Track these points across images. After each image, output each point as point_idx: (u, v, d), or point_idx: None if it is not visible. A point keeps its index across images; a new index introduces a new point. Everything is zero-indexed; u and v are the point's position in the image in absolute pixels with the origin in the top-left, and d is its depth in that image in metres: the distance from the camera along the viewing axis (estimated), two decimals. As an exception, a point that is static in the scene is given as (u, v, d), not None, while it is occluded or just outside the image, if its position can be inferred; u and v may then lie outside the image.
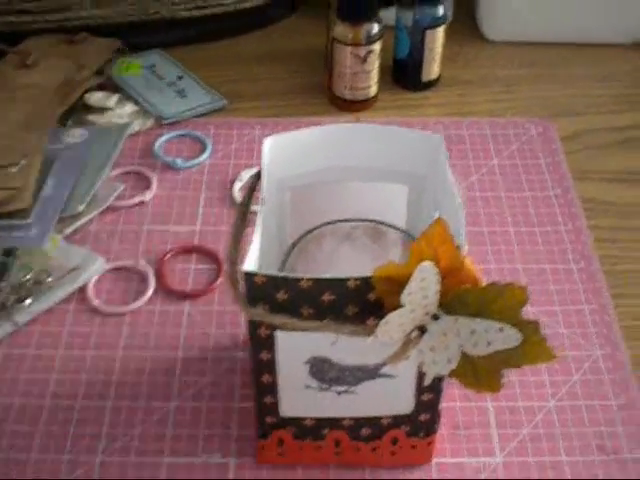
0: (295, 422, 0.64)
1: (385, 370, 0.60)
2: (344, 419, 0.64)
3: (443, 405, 0.65)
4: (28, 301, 0.78)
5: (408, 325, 0.53)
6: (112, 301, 0.81)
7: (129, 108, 1.00)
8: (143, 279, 0.82)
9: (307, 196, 0.67)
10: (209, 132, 0.99)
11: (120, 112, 0.99)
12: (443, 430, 0.70)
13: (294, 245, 0.66)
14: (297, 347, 0.58)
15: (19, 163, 0.86)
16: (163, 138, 0.98)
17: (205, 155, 0.96)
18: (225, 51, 1.13)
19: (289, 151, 0.64)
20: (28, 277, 0.80)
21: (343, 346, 0.57)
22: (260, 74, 1.09)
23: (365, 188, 0.68)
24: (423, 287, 0.51)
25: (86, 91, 1.01)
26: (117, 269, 0.84)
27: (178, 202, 0.91)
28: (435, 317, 0.53)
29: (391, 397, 0.62)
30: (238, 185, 0.91)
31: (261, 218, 0.58)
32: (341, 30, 0.97)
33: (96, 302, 0.80)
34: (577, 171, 0.95)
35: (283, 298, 0.54)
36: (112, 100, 1.00)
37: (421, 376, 0.60)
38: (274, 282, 0.53)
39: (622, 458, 0.69)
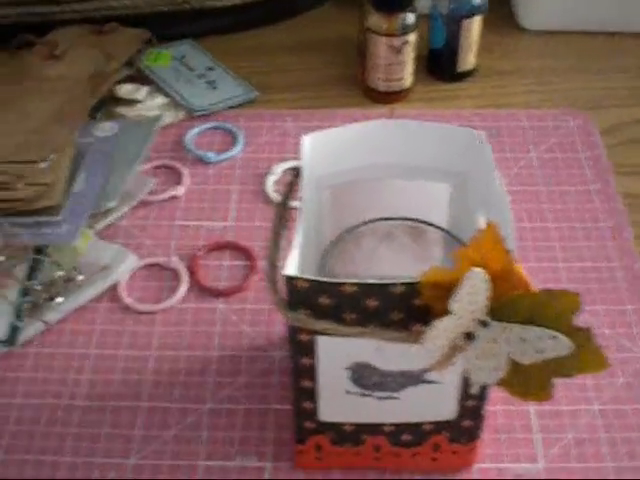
0: (334, 427, 0.63)
1: (429, 376, 0.58)
2: (385, 425, 0.62)
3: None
4: (59, 299, 0.77)
5: (455, 332, 0.51)
6: (144, 299, 0.79)
7: (159, 100, 0.99)
8: (175, 276, 0.81)
9: (346, 194, 0.65)
10: (240, 124, 0.97)
11: (150, 104, 0.98)
12: (484, 434, 0.68)
13: (333, 245, 0.64)
14: (338, 353, 0.56)
15: (49, 158, 0.85)
16: (194, 131, 0.96)
17: (237, 148, 0.94)
18: (255, 41, 1.11)
19: (328, 148, 0.62)
20: (59, 275, 0.78)
21: (386, 352, 0.55)
22: (291, 65, 1.07)
23: (406, 186, 0.66)
24: (472, 294, 0.49)
25: (115, 83, 0.99)
26: (149, 266, 0.82)
27: (210, 197, 0.89)
28: (484, 324, 0.51)
29: (434, 403, 0.60)
30: (271, 179, 0.90)
31: (302, 219, 0.56)
32: (375, 20, 0.95)
33: (128, 300, 0.79)
34: (616, 165, 0.93)
35: (325, 303, 0.52)
36: (142, 92, 0.98)
37: (466, 382, 0.58)
38: (316, 287, 0.52)
39: (669, 465, 0.67)
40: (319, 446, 0.64)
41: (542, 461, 0.67)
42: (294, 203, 0.60)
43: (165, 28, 1.08)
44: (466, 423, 0.62)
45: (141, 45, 1.05)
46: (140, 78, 1.02)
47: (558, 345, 0.50)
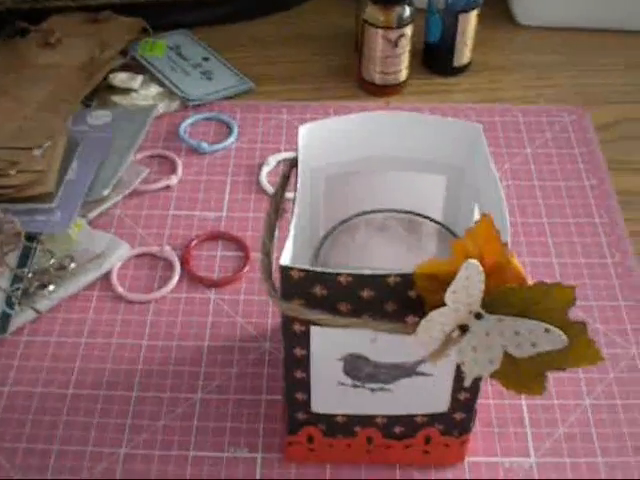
0: (326, 418, 0.62)
1: (422, 368, 0.58)
2: (377, 416, 0.62)
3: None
4: (51, 287, 0.77)
5: (450, 324, 0.51)
6: (137, 288, 0.79)
7: (154, 89, 0.98)
8: (168, 266, 0.81)
9: (341, 186, 0.65)
10: (235, 115, 0.97)
11: (145, 93, 0.97)
12: (476, 428, 0.68)
13: (327, 236, 0.64)
14: (332, 343, 0.56)
15: (43, 145, 0.84)
16: (188, 121, 0.96)
17: (231, 139, 0.93)
18: (251, 32, 1.11)
19: (324, 139, 0.62)
20: (51, 263, 0.78)
21: (380, 343, 0.55)
22: (287, 56, 1.07)
23: (401, 178, 0.65)
24: (468, 286, 0.49)
25: (110, 71, 0.99)
26: (142, 255, 0.82)
27: (204, 187, 0.89)
28: (478, 316, 0.51)
29: (427, 395, 0.60)
30: (265, 170, 0.89)
31: (297, 209, 0.56)
32: (372, 12, 0.95)
33: (120, 289, 0.78)
34: (612, 161, 0.93)
35: (320, 293, 0.52)
36: (137, 81, 0.98)
37: (459, 374, 0.58)
38: (311, 277, 0.52)
39: (660, 460, 0.67)
40: (311, 437, 0.64)
41: (534, 455, 0.67)
42: (289, 194, 0.60)
43: (161, 17, 1.08)
44: (458, 416, 0.62)
45: (136, 34, 1.05)
46: (135, 67, 1.01)
47: (552, 338, 0.50)
